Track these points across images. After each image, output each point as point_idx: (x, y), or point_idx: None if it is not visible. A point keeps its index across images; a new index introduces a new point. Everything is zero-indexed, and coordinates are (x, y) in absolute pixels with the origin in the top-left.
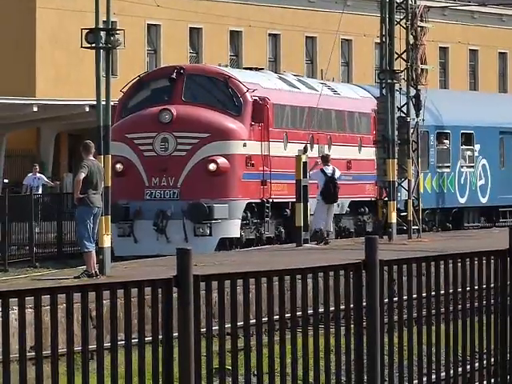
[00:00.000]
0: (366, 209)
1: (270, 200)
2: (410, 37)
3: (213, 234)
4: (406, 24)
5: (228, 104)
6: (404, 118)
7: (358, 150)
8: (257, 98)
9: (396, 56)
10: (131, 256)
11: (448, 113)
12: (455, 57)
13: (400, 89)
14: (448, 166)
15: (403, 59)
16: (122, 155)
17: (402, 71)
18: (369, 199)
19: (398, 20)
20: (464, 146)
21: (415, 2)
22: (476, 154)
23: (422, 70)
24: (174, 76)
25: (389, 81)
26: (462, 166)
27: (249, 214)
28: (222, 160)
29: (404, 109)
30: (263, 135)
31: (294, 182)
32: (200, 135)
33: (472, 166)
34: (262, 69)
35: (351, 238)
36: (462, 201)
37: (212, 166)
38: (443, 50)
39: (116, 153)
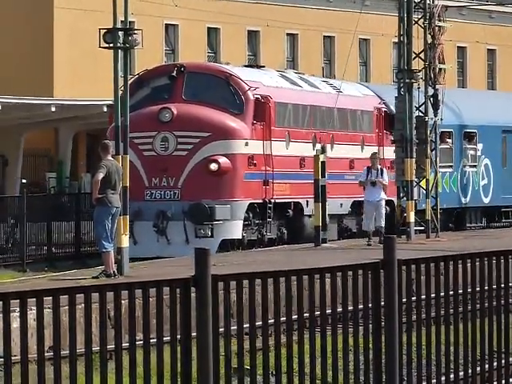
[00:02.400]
0: None
1: (273, 200)
2: (428, 36)
3: (214, 236)
4: (423, 23)
5: (229, 102)
6: (422, 118)
7: (361, 148)
8: (259, 96)
9: (414, 55)
10: (130, 258)
11: (450, 111)
12: (473, 56)
13: (418, 88)
14: (451, 166)
15: (421, 59)
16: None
17: (420, 71)
18: None
19: (416, 19)
20: (467, 145)
21: (433, 2)
22: (479, 153)
23: (439, 69)
24: (174, 74)
25: (407, 80)
26: (464, 166)
27: (251, 215)
28: (223, 160)
29: (422, 108)
30: (265, 134)
31: (297, 181)
32: (201, 134)
33: (475, 166)
34: (263, 66)
35: (353, 238)
36: (465, 201)
37: (213, 166)
38: (461, 50)
39: None
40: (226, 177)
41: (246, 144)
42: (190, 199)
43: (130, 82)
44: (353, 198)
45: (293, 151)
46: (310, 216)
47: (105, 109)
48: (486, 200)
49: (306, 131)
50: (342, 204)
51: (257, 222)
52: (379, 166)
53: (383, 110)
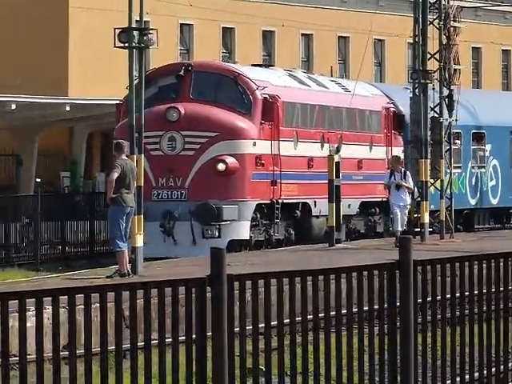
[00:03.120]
0: (377, 209)
1: (280, 201)
2: (443, 37)
3: (222, 236)
4: (438, 24)
5: (237, 102)
6: (437, 118)
7: (369, 149)
8: (267, 95)
9: (429, 56)
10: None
11: (459, 112)
12: (488, 57)
13: (433, 89)
14: (459, 167)
15: (436, 59)
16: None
17: (435, 71)
18: (379, 199)
19: (431, 20)
20: (475, 146)
21: (448, 2)
22: (487, 154)
23: (454, 70)
24: (181, 73)
25: (422, 81)
26: (473, 167)
27: (258, 215)
28: (231, 160)
29: (437, 109)
30: (273, 134)
31: (305, 182)
32: (208, 134)
33: (483, 167)
34: (272, 66)
35: (361, 239)
36: (473, 202)
37: (221, 166)
38: (476, 51)
39: None
40: (234, 177)
41: (254, 144)
42: (197, 199)
43: (137, 81)
44: (361, 198)
45: (301, 151)
46: (317, 217)
47: None
48: (495, 201)
49: (314, 131)
50: (350, 205)
51: (264, 222)
52: (402, 169)
53: (392, 109)
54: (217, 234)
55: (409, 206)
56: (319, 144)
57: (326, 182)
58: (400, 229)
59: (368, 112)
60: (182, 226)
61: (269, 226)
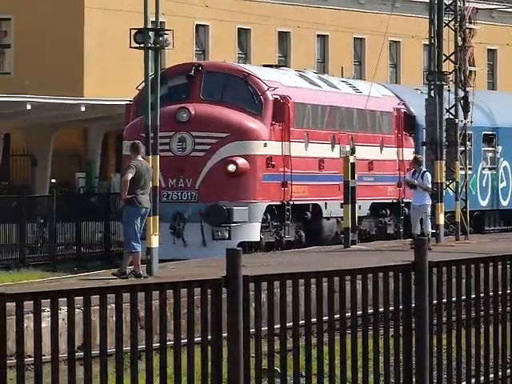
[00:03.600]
0: (388, 211)
1: (291, 202)
2: (459, 38)
3: (232, 238)
4: (454, 26)
5: (248, 102)
6: (452, 120)
7: (380, 150)
8: (278, 96)
9: (444, 58)
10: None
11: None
12: (503, 59)
13: (448, 90)
14: (469, 168)
15: (451, 61)
16: None
17: (451, 73)
18: (390, 201)
19: (447, 22)
20: (486, 148)
21: (464, 4)
22: (498, 155)
23: (470, 71)
24: (191, 73)
25: (437, 82)
26: (483, 168)
27: (269, 217)
28: (241, 161)
29: (452, 111)
30: (284, 135)
31: (316, 183)
32: (219, 135)
33: (494, 168)
34: (282, 66)
35: (373, 241)
36: (484, 204)
37: (231, 167)
38: (491, 52)
39: None
40: (244, 178)
41: (265, 145)
42: (208, 201)
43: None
44: (372, 200)
45: (312, 152)
46: (328, 218)
47: None
48: (505, 203)
49: (325, 132)
50: (360, 206)
51: (275, 224)
52: (422, 169)
53: (402, 110)
54: (227, 235)
55: (425, 207)
56: (330, 145)
57: (337, 183)
58: (415, 231)
59: (379, 113)
60: (192, 227)
61: (279, 228)
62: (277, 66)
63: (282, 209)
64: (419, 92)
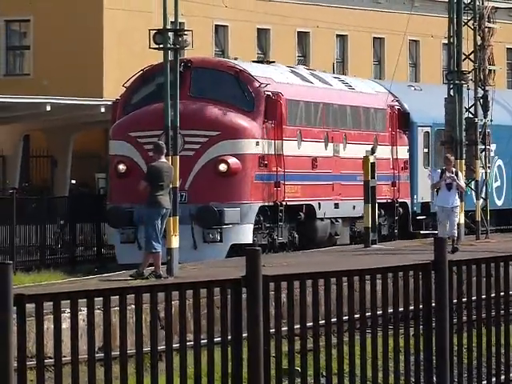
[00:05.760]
0: (382, 211)
1: (284, 203)
2: (478, 38)
3: (223, 240)
4: (473, 25)
5: (239, 100)
6: (472, 119)
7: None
8: (270, 93)
9: (464, 57)
10: (135, 264)
11: None
12: None
13: (468, 89)
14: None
15: (471, 60)
16: (124, 155)
17: (470, 72)
18: (384, 201)
19: (466, 21)
20: (480, 146)
21: (483, 3)
22: (492, 154)
23: (489, 70)
24: (180, 70)
25: (456, 81)
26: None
27: (261, 218)
28: (232, 160)
29: (472, 110)
30: (276, 133)
31: (309, 183)
32: (209, 133)
33: (488, 167)
34: (274, 62)
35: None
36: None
37: (222, 167)
38: (510, 51)
39: (118, 152)
40: (236, 178)
41: (257, 143)
42: (198, 202)
43: (134, 79)
44: None
45: (305, 151)
46: (322, 219)
47: None
48: (499, 202)
49: (318, 130)
50: (354, 206)
51: (267, 225)
52: (454, 169)
53: (396, 107)
54: (218, 237)
55: (457, 209)
56: (323, 143)
57: (331, 183)
58: (442, 235)
59: (372, 110)
60: (182, 229)
61: (272, 230)
62: (267, 62)
63: (274, 210)
64: (413, 88)
